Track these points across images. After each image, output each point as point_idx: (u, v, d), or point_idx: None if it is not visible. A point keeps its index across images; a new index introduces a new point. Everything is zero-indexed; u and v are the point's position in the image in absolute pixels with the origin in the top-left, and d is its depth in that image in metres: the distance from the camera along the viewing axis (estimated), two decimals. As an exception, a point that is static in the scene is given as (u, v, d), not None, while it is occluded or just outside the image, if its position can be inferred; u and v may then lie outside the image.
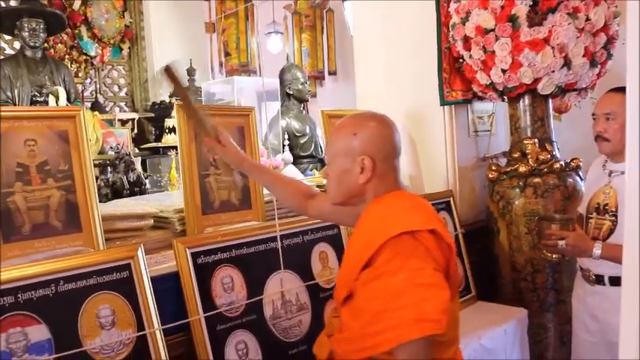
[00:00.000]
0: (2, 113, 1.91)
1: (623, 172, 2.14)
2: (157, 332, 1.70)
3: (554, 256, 2.27)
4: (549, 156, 2.77)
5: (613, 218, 2.18)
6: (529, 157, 2.78)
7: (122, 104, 6.18)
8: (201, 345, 1.78)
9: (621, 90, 2.19)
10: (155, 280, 1.76)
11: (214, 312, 1.83)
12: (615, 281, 2.15)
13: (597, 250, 2.09)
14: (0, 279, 1.47)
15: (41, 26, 4.55)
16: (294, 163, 3.94)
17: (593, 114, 2.28)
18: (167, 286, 1.82)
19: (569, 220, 2.27)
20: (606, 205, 2.22)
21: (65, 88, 4.50)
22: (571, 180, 2.77)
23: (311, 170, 4.10)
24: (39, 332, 1.51)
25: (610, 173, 2.25)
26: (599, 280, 2.23)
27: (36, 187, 1.88)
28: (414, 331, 1.24)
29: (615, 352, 2.17)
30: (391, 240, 1.33)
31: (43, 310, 1.53)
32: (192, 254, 1.85)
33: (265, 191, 2.42)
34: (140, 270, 1.72)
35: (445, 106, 3.03)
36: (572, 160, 2.84)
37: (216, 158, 2.22)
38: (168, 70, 1.79)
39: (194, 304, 1.80)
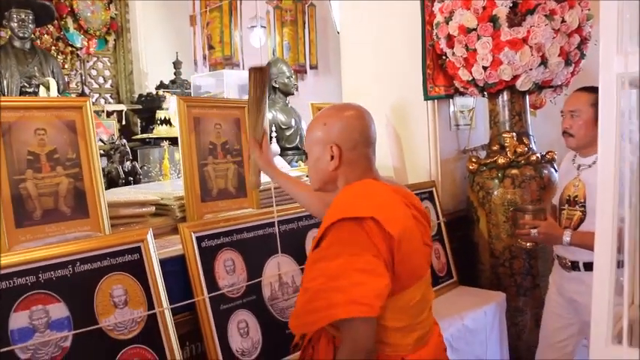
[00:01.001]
0: (14, 103, 2.00)
1: (590, 166, 2.33)
2: (166, 311, 1.81)
3: (528, 244, 2.44)
4: (526, 149, 2.94)
5: (582, 209, 2.34)
6: (507, 149, 2.94)
7: (107, 96, 6.21)
8: (206, 323, 1.90)
9: (586, 90, 2.37)
10: (162, 263, 1.87)
11: (218, 292, 1.95)
12: (589, 266, 2.28)
13: (567, 237, 2.26)
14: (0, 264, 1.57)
15: (30, 17, 4.59)
16: (281, 154, 4.05)
17: (561, 111, 2.44)
18: (174, 269, 1.93)
19: (542, 210, 2.44)
20: (576, 196, 2.38)
21: (55, 79, 4.54)
22: (546, 171, 2.94)
23: (296, 162, 4.20)
24: (59, 310, 1.61)
25: (579, 167, 2.40)
26: (574, 266, 2.38)
27: (46, 174, 1.95)
28: (344, 312, 1.33)
29: (587, 330, 2.34)
30: (335, 224, 1.41)
31: (62, 290, 1.63)
32: (197, 238, 1.97)
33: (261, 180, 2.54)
34: (150, 252, 1.83)
35: (428, 101, 3.18)
36: (547, 152, 3.01)
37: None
38: (264, 71, 1.87)
39: (199, 284, 1.92)
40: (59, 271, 1.65)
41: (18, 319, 1.53)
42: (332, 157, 1.54)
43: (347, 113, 1.58)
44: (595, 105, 2.26)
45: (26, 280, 1.58)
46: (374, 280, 1.35)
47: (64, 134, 2.02)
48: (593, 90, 2.34)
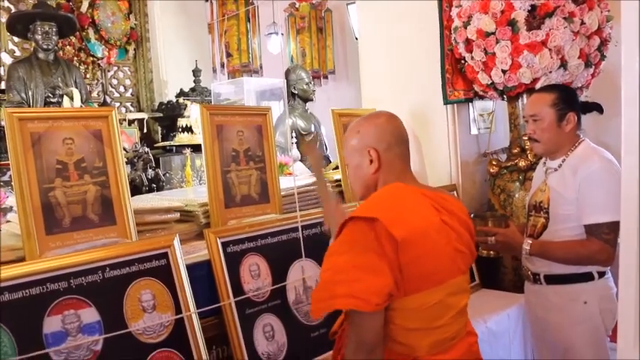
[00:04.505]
0: (43, 114, 2.05)
1: (556, 169, 2.21)
2: (193, 315, 1.84)
3: (490, 252, 2.31)
4: (547, 151, 2.93)
5: (546, 215, 2.21)
6: (528, 152, 2.94)
7: (128, 104, 6.30)
8: (232, 327, 1.93)
9: (544, 90, 2.28)
10: (189, 268, 1.91)
11: (243, 297, 1.98)
12: (551, 279, 2.20)
13: (526, 246, 2.16)
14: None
15: (54, 29, 4.68)
16: (301, 160, 4.09)
17: (523, 116, 2.32)
18: (200, 274, 1.97)
19: (503, 217, 2.34)
20: (541, 202, 2.25)
21: (78, 89, 4.63)
22: (568, 174, 2.92)
23: (316, 167, 4.23)
24: (90, 314, 1.66)
25: (547, 171, 2.27)
26: (535, 278, 2.26)
27: (74, 182, 2.00)
28: (342, 303, 1.43)
29: (550, 350, 2.28)
30: (349, 222, 1.48)
31: (92, 295, 1.68)
32: (223, 243, 2.00)
33: (282, 185, 2.57)
34: (177, 258, 1.87)
35: (448, 105, 3.19)
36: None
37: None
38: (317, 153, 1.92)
39: (225, 289, 1.95)
40: (90, 276, 1.69)
41: (51, 324, 1.58)
42: (371, 161, 1.60)
43: (378, 119, 1.65)
44: (555, 105, 2.17)
45: (58, 286, 1.63)
46: (373, 278, 1.41)
47: (90, 143, 2.07)
48: (552, 89, 2.26)
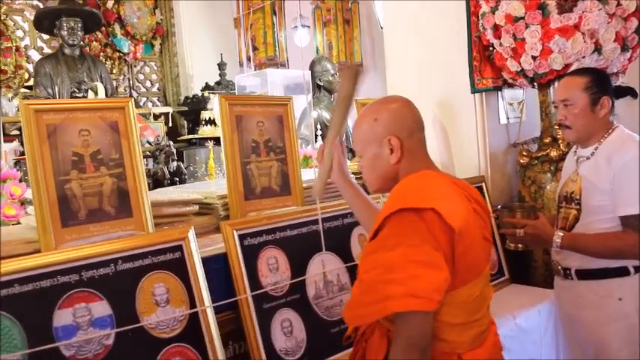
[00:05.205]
0: (58, 106, 2.03)
1: (588, 158, 2.10)
2: (208, 310, 1.79)
3: (519, 245, 2.21)
4: (580, 140, 2.81)
5: (578, 206, 2.12)
6: (560, 142, 2.82)
7: (155, 99, 6.32)
8: (249, 322, 1.87)
9: (577, 73, 2.16)
10: (204, 261, 1.85)
11: (261, 291, 1.92)
12: (583, 274, 2.11)
13: (557, 239, 2.05)
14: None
15: (79, 25, 4.72)
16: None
17: (552, 102, 2.21)
18: (216, 267, 1.92)
19: (532, 208, 2.22)
20: (572, 193, 2.15)
21: (102, 84, 4.65)
22: (602, 163, 2.80)
23: (342, 159, 4.17)
24: (101, 308, 1.61)
25: (578, 159, 2.18)
26: (566, 273, 2.17)
27: (90, 174, 1.97)
28: (402, 305, 1.28)
29: (582, 349, 2.17)
30: (393, 215, 1.35)
31: (104, 288, 1.63)
32: (240, 236, 1.94)
33: (303, 177, 2.51)
34: (191, 250, 1.82)
35: (476, 94, 3.08)
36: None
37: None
38: (358, 72, 1.77)
39: (242, 283, 1.89)
40: (101, 269, 1.65)
41: (62, 317, 1.54)
42: (391, 151, 1.49)
43: (394, 104, 1.55)
44: (588, 89, 2.06)
45: (69, 278, 1.59)
46: (433, 273, 1.30)
47: (107, 135, 2.03)
48: (584, 72, 2.14)
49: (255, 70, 7.04)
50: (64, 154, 1.92)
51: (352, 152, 4.34)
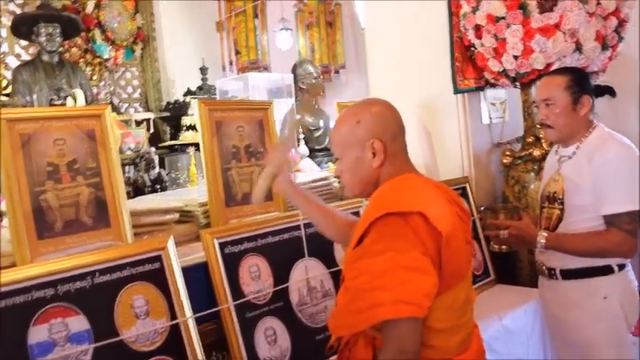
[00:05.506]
0: (32, 114, 1.97)
1: (570, 157, 2.09)
2: (189, 321, 1.75)
3: (503, 247, 2.20)
4: (563, 140, 2.80)
5: (561, 206, 2.10)
6: (542, 141, 2.81)
7: (136, 105, 6.26)
8: (231, 332, 1.84)
9: (557, 73, 2.16)
10: (185, 271, 1.81)
11: (243, 300, 1.89)
12: (567, 274, 2.10)
13: (542, 239, 2.05)
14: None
15: (57, 31, 4.64)
16: (309, 156, 3.99)
17: (533, 102, 2.21)
18: (196, 276, 1.88)
19: (515, 209, 2.21)
20: (555, 193, 2.14)
21: (82, 91, 4.58)
22: (585, 162, 2.79)
23: (326, 163, 4.15)
24: (79, 322, 1.57)
25: (560, 159, 2.16)
26: (551, 273, 2.16)
27: (66, 185, 1.91)
28: (392, 312, 1.26)
29: (569, 349, 2.17)
30: (379, 220, 1.33)
31: (81, 301, 1.59)
32: (220, 244, 1.91)
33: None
34: (171, 260, 1.78)
35: (458, 95, 3.07)
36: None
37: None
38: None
39: (223, 292, 1.86)
40: (78, 282, 1.61)
41: (37, 333, 1.50)
42: (374, 154, 1.46)
43: (377, 107, 1.52)
44: (568, 88, 2.05)
45: (44, 293, 1.55)
46: (422, 278, 1.28)
47: (84, 143, 1.98)
48: (565, 72, 2.14)
49: (237, 73, 6.99)
50: (38, 164, 1.86)
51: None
